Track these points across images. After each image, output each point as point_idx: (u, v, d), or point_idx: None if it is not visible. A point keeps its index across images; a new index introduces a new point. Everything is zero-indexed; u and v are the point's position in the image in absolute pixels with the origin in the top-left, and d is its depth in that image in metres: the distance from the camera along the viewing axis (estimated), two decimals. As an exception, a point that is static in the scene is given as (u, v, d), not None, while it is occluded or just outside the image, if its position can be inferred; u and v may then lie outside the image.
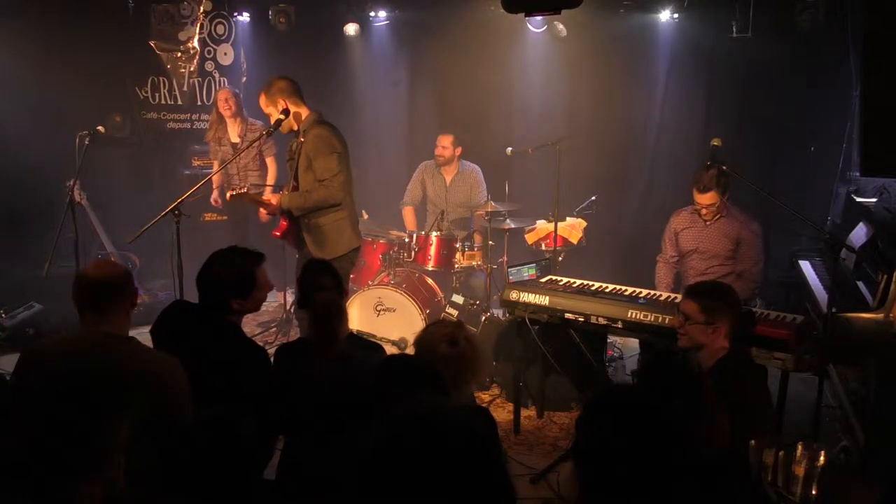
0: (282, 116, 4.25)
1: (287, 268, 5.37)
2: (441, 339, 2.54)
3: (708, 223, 4.43)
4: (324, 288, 2.83)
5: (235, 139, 6.01)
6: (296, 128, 4.29)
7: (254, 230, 6.07)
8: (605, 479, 1.46)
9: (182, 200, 3.97)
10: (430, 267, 5.34)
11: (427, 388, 2.21)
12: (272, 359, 2.90)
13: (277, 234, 4.35)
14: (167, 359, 2.54)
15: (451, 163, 6.00)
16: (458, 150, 5.98)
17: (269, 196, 4.24)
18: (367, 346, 3.03)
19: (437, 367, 2.40)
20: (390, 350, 4.53)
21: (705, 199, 4.36)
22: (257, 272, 2.82)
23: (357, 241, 4.43)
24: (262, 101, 4.27)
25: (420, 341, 2.63)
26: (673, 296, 3.94)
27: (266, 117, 4.43)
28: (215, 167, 6.06)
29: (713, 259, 4.39)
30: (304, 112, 4.27)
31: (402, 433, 1.25)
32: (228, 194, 4.15)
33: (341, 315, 2.83)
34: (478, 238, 5.85)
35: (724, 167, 4.10)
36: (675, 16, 6.15)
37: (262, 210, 4.25)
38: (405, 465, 1.21)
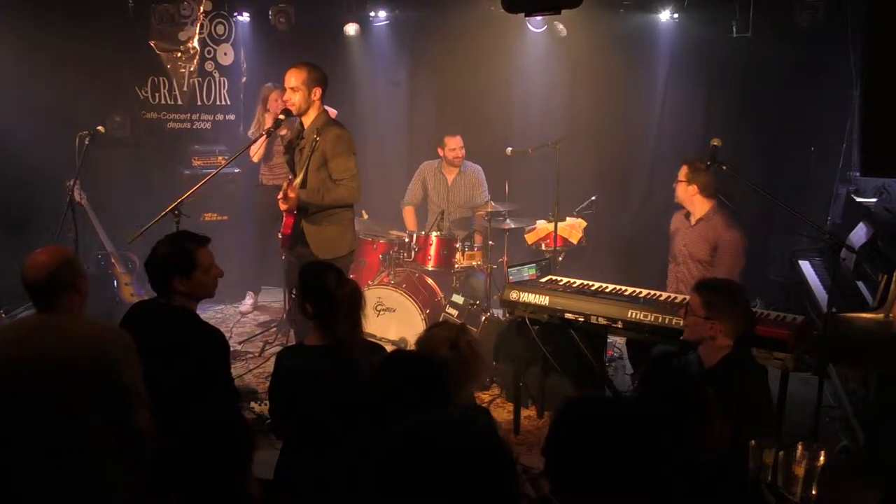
0: (282, 116, 4.25)
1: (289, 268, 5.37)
2: (442, 341, 2.56)
3: (692, 226, 4.36)
4: (334, 285, 2.83)
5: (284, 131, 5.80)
6: (306, 122, 4.25)
7: (254, 230, 6.07)
8: (583, 484, 1.45)
9: (182, 200, 3.97)
10: (430, 267, 5.33)
11: (428, 387, 2.21)
12: (274, 362, 2.90)
13: (287, 231, 4.28)
14: (110, 327, 2.65)
15: (459, 164, 6.01)
16: (463, 151, 6.00)
17: (290, 190, 4.12)
18: (369, 347, 3.00)
19: (450, 369, 2.41)
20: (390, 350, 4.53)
21: (677, 192, 4.35)
22: (198, 252, 2.82)
23: (355, 244, 4.49)
24: (300, 79, 4.13)
25: (421, 343, 2.65)
26: (673, 295, 3.94)
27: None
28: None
29: (696, 263, 4.31)
30: (317, 107, 4.24)
31: (408, 449, 1.24)
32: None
33: (364, 301, 2.86)
34: (478, 238, 5.85)
35: (725, 167, 4.10)
36: (675, 16, 6.15)
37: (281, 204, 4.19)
38: (409, 479, 1.21)
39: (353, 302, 2.77)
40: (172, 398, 2.58)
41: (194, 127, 6.75)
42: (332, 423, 2.64)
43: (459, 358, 2.52)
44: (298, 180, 4.18)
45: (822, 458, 2.17)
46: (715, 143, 4.03)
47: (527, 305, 4.04)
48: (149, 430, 2.57)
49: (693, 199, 4.30)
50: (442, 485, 1.20)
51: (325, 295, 2.77)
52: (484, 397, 4.69)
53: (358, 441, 2.42)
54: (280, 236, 4.37)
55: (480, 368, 2.67)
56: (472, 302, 5.26)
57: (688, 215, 4.41)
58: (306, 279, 2.87)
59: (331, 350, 2.76)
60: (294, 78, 4.15)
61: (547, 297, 3.99)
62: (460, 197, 6.02)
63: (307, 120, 4.24)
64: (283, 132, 5.53)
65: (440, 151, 6.00)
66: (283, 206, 4.12)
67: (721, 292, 2.91)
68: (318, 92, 4.17)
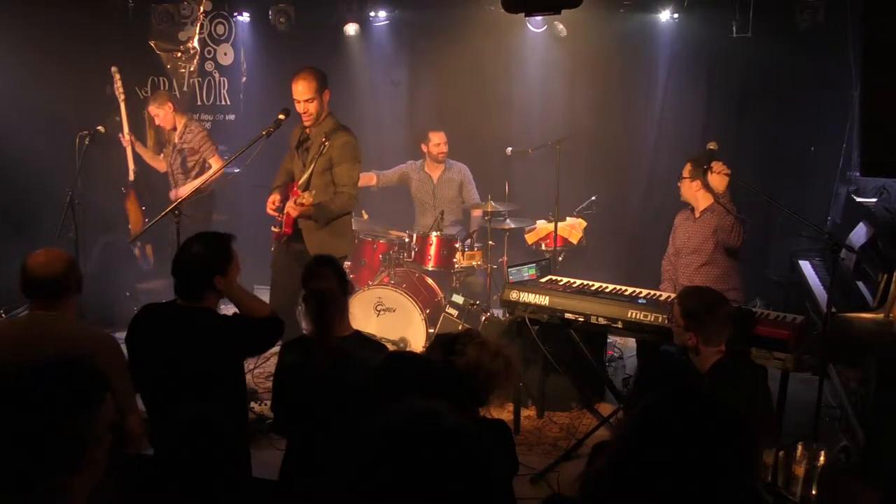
0: (282, 116, 4.26)
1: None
2: (486, 353, 2.36)
3: (696, 219, 4.45)
4: (323, 277, 2.82)
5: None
6: (311, 124, 4.31)
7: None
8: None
9: (182, 200, 3.98)
10: (429, 267, 5.34)
11: (429, 387, 2.20)
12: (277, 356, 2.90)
13: (289, 230, 4.31)
14: (98, 332, 2.68)
15: (443, 160, 6.00)
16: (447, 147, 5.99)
17: (305, 198, 4.10)
18: (371, 346, 2.99)
19: (497, 380, 2.34)
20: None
21: (682, 189, 4.49)
22: (233, 247, 2.85)
23: (350, 249, 4.62)
24: (312, 88, 4.17)
25: (472, 367, 2.35)
26: (673, 295, 3.94)
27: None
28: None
29: (698, 255, 4.40)
30: (327, 110, 4.31)
31: (399, 437, 1.24)
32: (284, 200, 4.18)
33: (336, 306, 2.79)
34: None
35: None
36: (675, 16, 6.14)
37: (275, 208, 4.26)
38: (401, 468, 1.20)
39: (320, 298, 2.73)
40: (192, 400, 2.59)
41: (194, 127, 6.75)
42: (323, 418, 2.65)
43: (512, 360, 2.41)
44: (303, 179, 4.24)
45: (822, 458, 2.18)
46: (711, 147, 4.12)
47: (527, 305, 4.05)
48: (138, 434, 2.56)
49: (697, 195, 4.43)
50: (430, 479, 1.20)
51: (309, 282, 2.81)
52: (484, 397, 4.68)
53: (349, 439, 2.41)
54: (276, 231, 4.41)
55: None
56: (472, 302, 5.26)
57: (692, 210, 4.52)
58: (307, 268, 2.89)
59: (308, 345, 2.77)
60: (307, 89, 4.18)
61: (547, 297, 3.99)
62: (447, 194, 6.02)
63: (317, 122, 4.30)
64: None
65: (423, 148, 6.00)
66: (294, 213, 4.13)
67: (700, 304, 2.93)
68: (328, 95, 4.26)
